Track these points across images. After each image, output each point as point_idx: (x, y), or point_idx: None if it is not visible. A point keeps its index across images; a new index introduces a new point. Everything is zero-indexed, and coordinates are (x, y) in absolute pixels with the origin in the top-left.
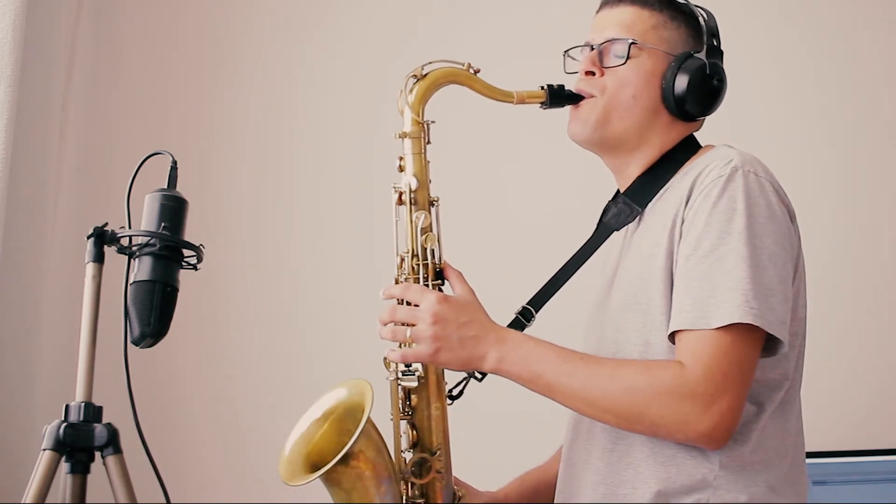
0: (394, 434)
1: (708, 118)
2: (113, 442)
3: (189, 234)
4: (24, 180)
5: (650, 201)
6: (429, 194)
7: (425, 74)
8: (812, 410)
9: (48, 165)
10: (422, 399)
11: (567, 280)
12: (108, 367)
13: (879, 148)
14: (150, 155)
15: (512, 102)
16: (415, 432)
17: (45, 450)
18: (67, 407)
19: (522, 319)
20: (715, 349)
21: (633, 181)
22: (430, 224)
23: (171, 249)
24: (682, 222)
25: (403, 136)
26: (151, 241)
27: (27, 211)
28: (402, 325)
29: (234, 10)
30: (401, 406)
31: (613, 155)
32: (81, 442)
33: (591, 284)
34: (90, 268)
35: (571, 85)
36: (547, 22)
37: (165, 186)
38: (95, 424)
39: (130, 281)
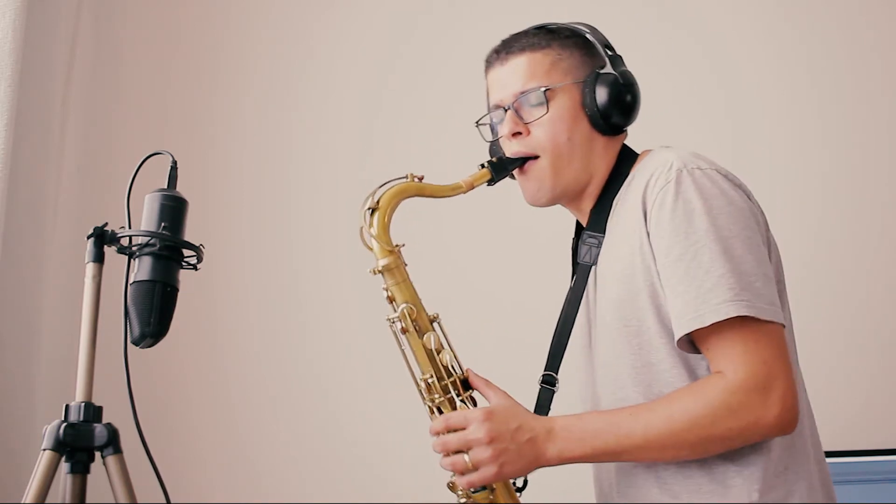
0: None
1: (708, 121)
2: (113, 442)
3: (189, 234)
4: (24, 180)
5: (607, 220)
6: (427, 314)
7: (378, 202)
8: (813, 410)
9: (48, 165)
10: None
11: (570, 331)
12: (108, 367)
13: (879, 147)
14: (150, 155)
15: (463, 192)
16: None
17: (45, 450)
18: (67, 407)
19: (549, 387)
20: (743, 345)
21: (591, 211)
22: (440, 341)
23: (171, 249)
24: (648, 235)
25: (381, 271)
26: (151, 241)
27: (27, 211)
28: (458, 452)
29: (233, 10)
30: None
31: (572, 197)
32: (81, 442)
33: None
34: (90, 268)
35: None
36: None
37: (165, 186)
38: (95, 424)
39: (130, 281)
